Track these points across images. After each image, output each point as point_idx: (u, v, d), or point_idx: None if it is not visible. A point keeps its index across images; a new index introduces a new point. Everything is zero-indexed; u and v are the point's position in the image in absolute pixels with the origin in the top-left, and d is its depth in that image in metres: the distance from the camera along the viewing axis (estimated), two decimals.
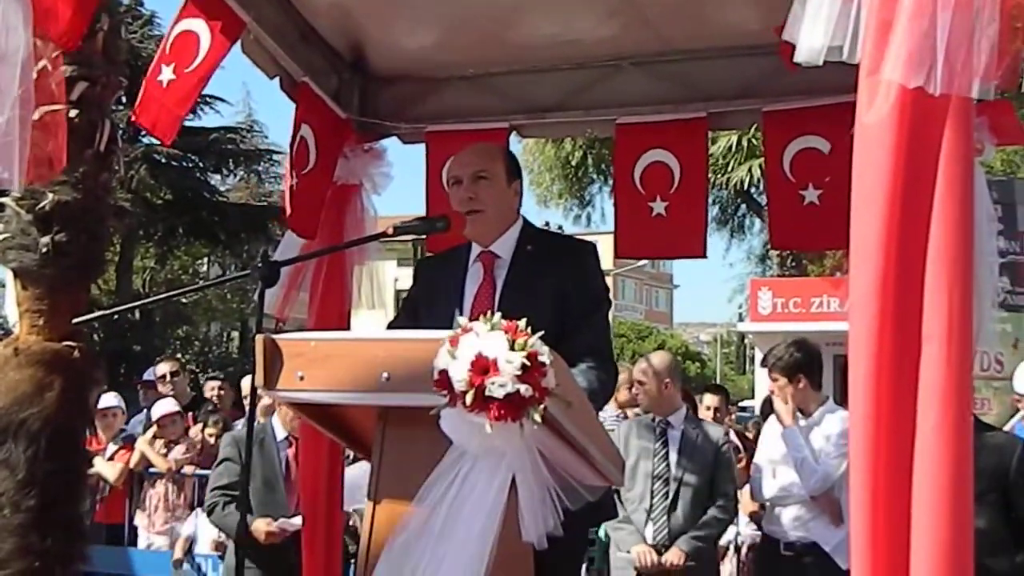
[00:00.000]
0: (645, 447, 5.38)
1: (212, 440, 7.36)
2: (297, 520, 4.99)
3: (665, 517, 5.24)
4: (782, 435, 5.07)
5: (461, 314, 3.27)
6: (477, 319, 2.45)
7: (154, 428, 7.53)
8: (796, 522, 5.05)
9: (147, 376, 9.13)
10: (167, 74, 3.96)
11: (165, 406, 7.64)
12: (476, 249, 3.46)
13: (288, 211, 4.52)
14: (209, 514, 5.45)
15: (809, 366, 5.21)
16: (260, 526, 5.01)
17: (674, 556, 5.18)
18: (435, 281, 3.56)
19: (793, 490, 5.03)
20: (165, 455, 7.40)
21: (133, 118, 4.09)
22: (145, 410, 8.22)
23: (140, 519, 7.45)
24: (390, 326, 3.52)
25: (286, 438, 5.37)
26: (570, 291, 3.32)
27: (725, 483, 5.38)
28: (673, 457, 5.32)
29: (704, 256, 5.00)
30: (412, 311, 3.57)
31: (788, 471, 5.06)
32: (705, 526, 5.27)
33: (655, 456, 5.34)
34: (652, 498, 5.27)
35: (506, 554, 2.42)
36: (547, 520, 2.44)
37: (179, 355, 26.86)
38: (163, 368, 8.54)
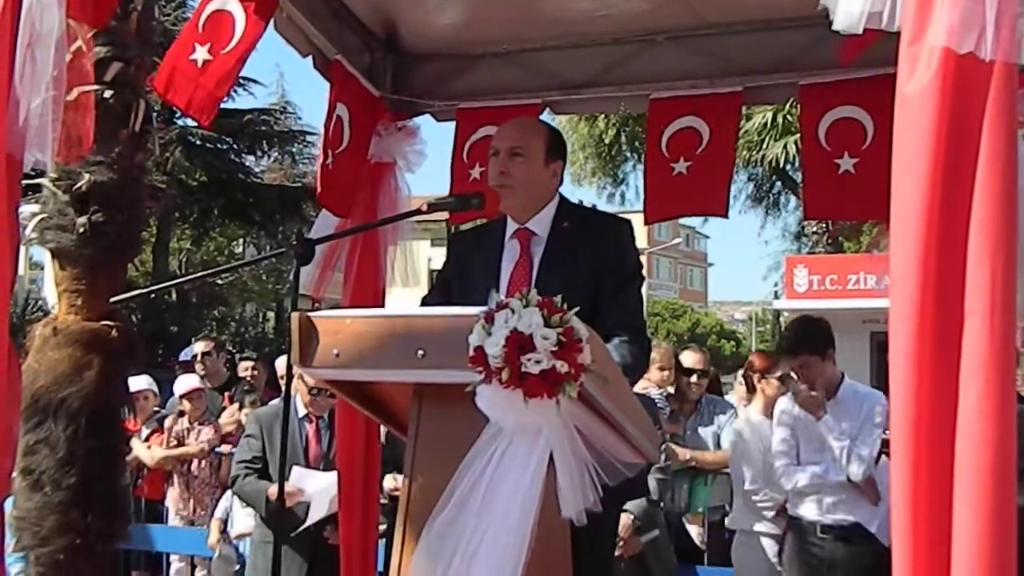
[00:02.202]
0: None
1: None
2: (313, 473, 5.02)
3: None
4: (820, 425, 4.86)
5: (497, 290, 3.27)
6: (514, 296, 2.44)
7: (171, 420, 7.57)
8: (834, 505, 4.92)
9: (184, 357, 9.18)
10: (202, 54, 3.94)
11: (188, 382, 7.68)
12: (512, 226, 3.45)
13: (320, 189, 4.53)
14: (232, 485, 5.53)
15: (833, 339, 5.03)
16: (275, 490, 5.09)
17: (620, 528, 4.98)
18: (469, 257, 3.55)
19: (828, 477, 4.88)
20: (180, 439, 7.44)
21: (160, 93, 4.06)
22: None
23: (171, 499, 7.47)
24: (423, 301, 3.52)
25: (306, 415, 5.44)
26: (605, 266, 3.32)
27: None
28: None
29: (725, 215, 4.94)
30: (444, 286, 3.56)
31: (816, 456, 4.94)
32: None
33: None
34: None
35: (544, 530, 2.41)
36: (586, 496, 2.43)
37: (215, 336, 27.08)
38: (199, 347, 8.58)
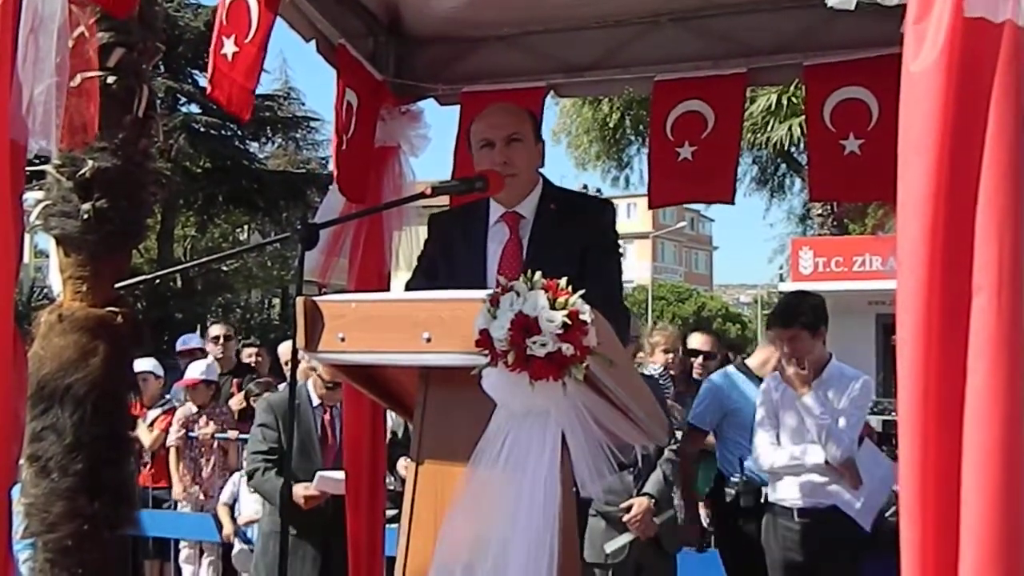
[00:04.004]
0: None
1: None
2: (334, 475, 4.99)
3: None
4: (800, 403, 4.75)
5: (486, 273, 3.31)
6: (510, 280, 2.44)
7: (183, 409, 7.59)
8: (812, 488, 4.80)
9: (181, 346, 9.15)
10: (230, 47, 3.94)
11: (191, 373, 7.68)
12: (498, 209, 3.44)
13: (336, 175, 4.54)
14: (249, 479, 5.46)
15: (826, 317, 4.91)
16: (299, 491, 5.00)
17: (640, 510, 5.01)
18: (453, 238, 3.53)
19: (807, 458, 4.77)
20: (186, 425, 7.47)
21: (208, 92, 4.05)
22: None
23: (179, 486, 7.49)
24: (408, 285, 3.51)
25: (320, 403, 5.37)
26: (589, 244, 3.34)
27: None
28: None
29: (731, 202, 4.92)
30: (429, 268, 3.55)
31: (796, 437, 4.84)
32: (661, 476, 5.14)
33: None
34: None
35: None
36: (602, 473, 2.43)
37: (220, 323, 27.09)
38: (216, 330, 8.60)
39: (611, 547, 5.06)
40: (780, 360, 4.97)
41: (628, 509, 5.06)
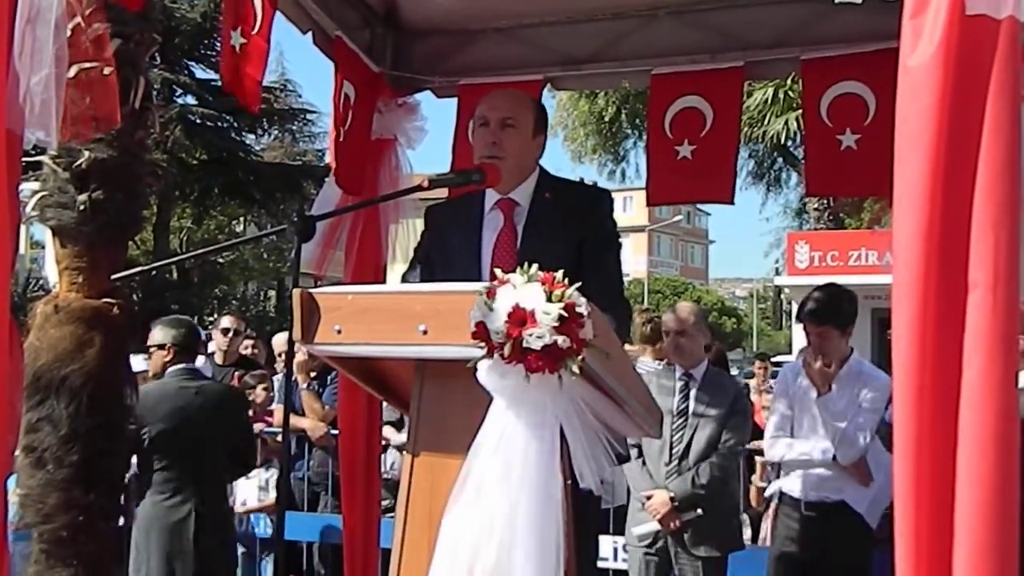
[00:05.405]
0: (666, 399, 5.04)
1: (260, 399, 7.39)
2: None
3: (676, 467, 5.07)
4: (819, 402, 4.71)
5: (480, 260, 3.31)
6: (504, 268, 2.44)
7: None
8: (821, 482, 4.78)
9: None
10: (237, 38, 3.96)
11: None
12: (493, 196, 3.43)
13: (334, 167, 4.55)
14: None
15: (855, 316, 4.83)
16: None
17: (657, 502, 5.00)
18: (448, 228, 3.53)
19: (816, 454, 4.75)
20: None
21: (222, 85, 4.09)
22: None
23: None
24: (404, 276, 3.51)
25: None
26: (586, 235, 3.33)
27: (737, 430, 5.15)
28: (692, 406, 5.08)
29: (731, 202, 4.92)
30: (425, 260, 3.55)
31: (809, 431, 4.80)
32: (702, 472, 5.04)
33: (676, 407, 5.09)
34: (671, 449, 5.07)
35: None
36: (602, 466, 2.43)
37: (216, 314, 27.11)
38: (226, 322, 8.55)
39: (638, 531, 5.14)
40: (805, 353, 4.91)
41: (649, 499, 5.09)
